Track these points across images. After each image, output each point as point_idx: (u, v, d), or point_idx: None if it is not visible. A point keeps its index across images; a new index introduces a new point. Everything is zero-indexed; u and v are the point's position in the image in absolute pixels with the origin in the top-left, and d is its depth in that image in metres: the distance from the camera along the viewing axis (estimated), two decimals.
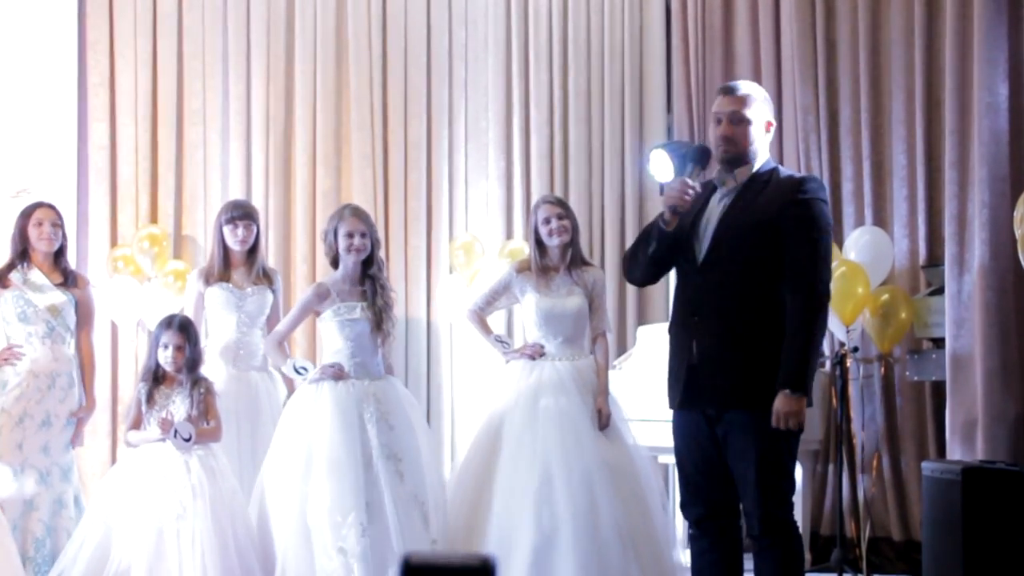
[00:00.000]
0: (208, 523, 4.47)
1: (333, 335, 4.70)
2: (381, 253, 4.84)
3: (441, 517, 4.62)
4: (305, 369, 4.71)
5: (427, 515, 4.53)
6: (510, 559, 4.50)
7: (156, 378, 4.74)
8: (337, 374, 4.61)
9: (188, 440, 4.57)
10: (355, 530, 4.37)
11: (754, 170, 3.78)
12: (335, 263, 4.77)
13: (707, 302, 3.69)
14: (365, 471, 4.46)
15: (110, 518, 4.55)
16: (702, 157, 3.72)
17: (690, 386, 3.71)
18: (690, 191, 3.64)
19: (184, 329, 4.75)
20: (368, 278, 4.72)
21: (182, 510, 4.47)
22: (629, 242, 7.29)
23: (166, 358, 4.70)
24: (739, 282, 3.66)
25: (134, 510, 4.50)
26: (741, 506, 3.82)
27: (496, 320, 6.98)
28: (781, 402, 3.58)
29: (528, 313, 4.94)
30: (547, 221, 4.88)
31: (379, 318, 4.68)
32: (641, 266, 3.84)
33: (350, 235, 4.68)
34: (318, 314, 4.79)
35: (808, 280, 3.63)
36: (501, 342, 5.11)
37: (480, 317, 5.10)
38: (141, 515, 4.48)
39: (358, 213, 4.76)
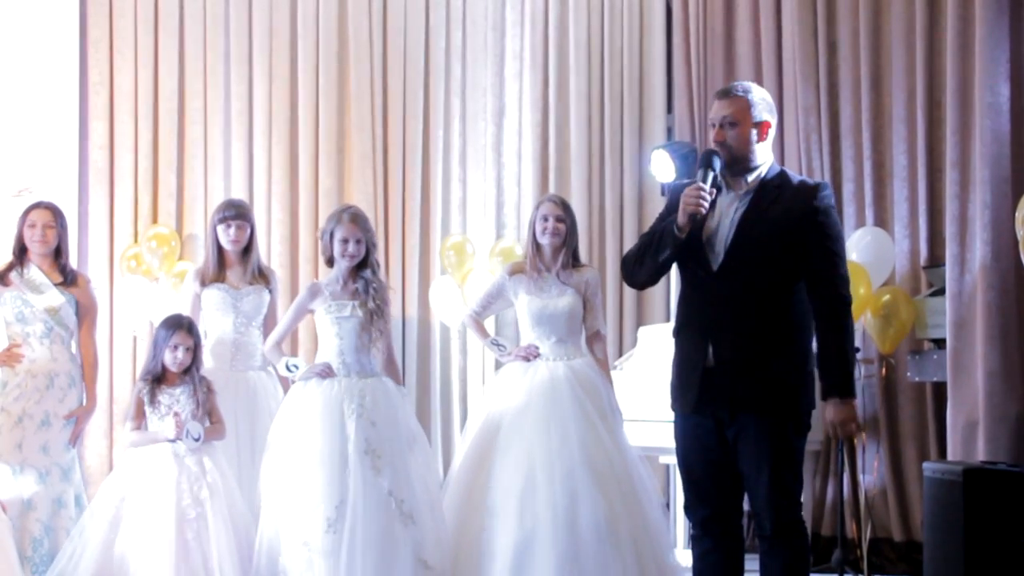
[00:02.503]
0: (227, 521, 4.50)
1: (326, 332, 4.72)
2: (376, 255, 4.82)
3: (435, 519, 4.60)
4: (296, 367, 4.75)
5: (410, 514, 4.49)
6: (493, 559, 4.51)
7: (156, 378, 4.74)
8: (324, 372, 4.63)
9: (197, 440, 4.58)
10: (321, 525, 4.37)
11: (762, 174, 3.78)
12: (331, 263, 4.78)
13: (725, 307, 3.69)
14: (341, 468, 4.46)
15: (118, 519, 4.53)
16: (713, 161, 3.70)
17: (705, 390, 3.71)
18: (706, 196, 3.63)
19: (192, 330, 4.78)
20: (360, 279, 4.72)
21: (201, 508, 4.49)
22: (628, 242, 7.33)
23: (175, 359, 4.70)
24: (757, 288, 3.68)
25: (150, 510, 4.49)
26: (749, 506, 3.83)
27: (489, 321, 7.01)
28: (834, 412, 3.66)
29: (521, 315, 4.97)
30: (545, 219, 4.91)
31: (370, 317, 4.69)
32: (648, 272, 3.83)
33: (345, 241, 4.68)
34: (312, 312, 4.81)
35: (836, 289, 3.70)
36: (497, 345, 5.13)
37: (477, 322, 5.15)
38: (159, 515, 4.46)
39: (355, 219, 4.73)
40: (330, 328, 4.69)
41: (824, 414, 3.70)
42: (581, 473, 4.58)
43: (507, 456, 4.66)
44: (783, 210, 3.70)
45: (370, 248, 4.75)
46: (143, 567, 4.41)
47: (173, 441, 4.59)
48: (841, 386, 3.66)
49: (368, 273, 4.73)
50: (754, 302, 3.67)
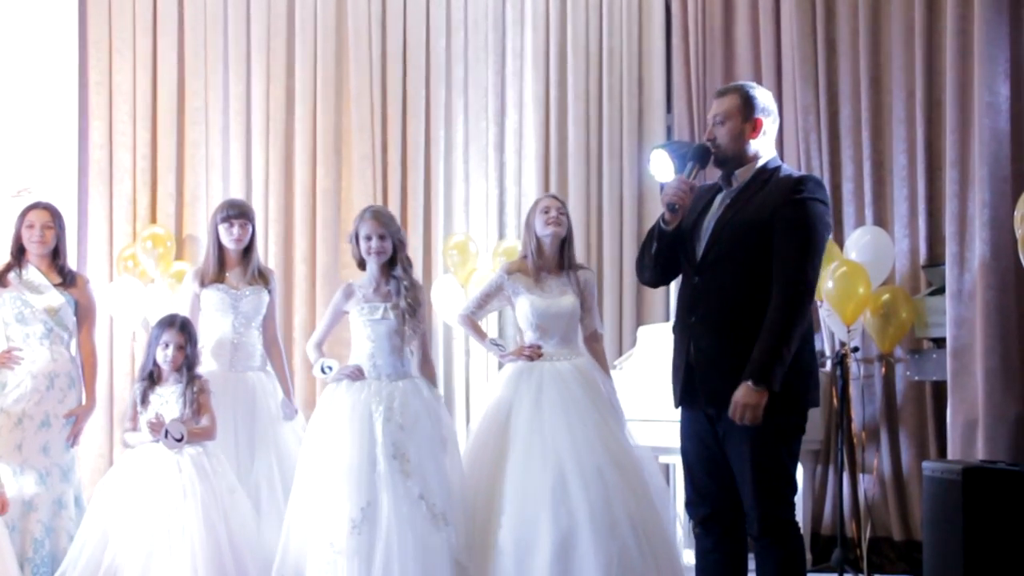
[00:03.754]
0: (199, 522, 4.48)
1: (358, 334, 4.73)
2: (407, 252, 4.82)
3: (467, 520, 4.59)
4: (330, 368, 4.75)
5: (443, 516, 4.49)
6: (531, 558, 4.47)
7: (151, 378, 4.74)
8: (354, 374, 4.63)
9: (180, 440, 4.58)
10: (345, 526, 4.37)
11: (755, 170, 3.78)
12: (362, 265, 4.78)
13: (703, 303, 3.70)
14: (369, 470, 4.46)
15: (107, 520, 4.56)
16: (702, 156, 3.72)
17: (688, 386, 3.74)
18: (688, 189, 3.64)
19: (185, 329, 4.78)
20: (392, 279, 4.72)
21: (172, 509, 4.48)
22: (628, 241, 7.35)
23: (166, 357, 4.71)
24: (734, 283, 3.66)
25: (128, 511, 4.51)
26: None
27: (490, 322, 6.99)
28: (740, 393, 3.55)
29: (522, 314, 4.93)
30: (546, 211, 4.89)
31: (402, 318, 4.68)
32: (648, 267, 3.86)
33: (368, 238, 4.68)
34: (347, 314, 4.81)
35: (790, 276, 3.58)
36: (496, 345, 5.10)
37: (472, 321, 5.09)
38: (134, 515, 4.50)
39: (377, 216, 4.73)
40: (363, 330, 4.69)
41: (742, 402, 3.57)
42: (609, 471, 4.57)
43: (529, 455, 4.62)
44: (761, 203, 3.67)
45: (397, 245, 4.74)
46: (112, 564, 4.44)
47: (156, 441, 4.60)
48: (758, 371, 3.54)
49: (399, 272, 4.72)
50: (731, 296, 3.66)
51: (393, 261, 4.72)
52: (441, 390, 7.22)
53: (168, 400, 4.70)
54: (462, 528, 4.54)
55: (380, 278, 4.73)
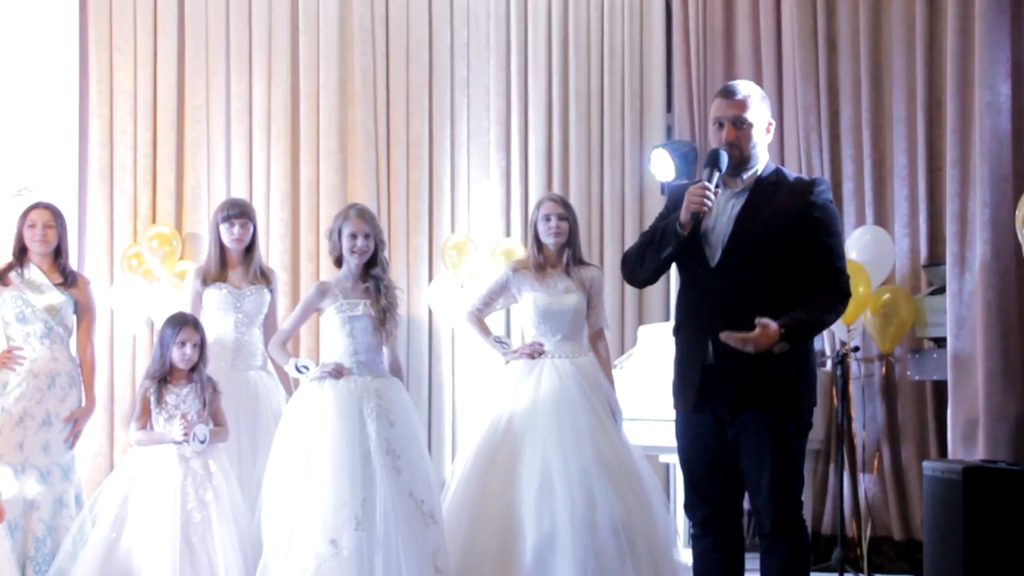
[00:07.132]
0: (230, 523, 4.50)
1: (335, 332, 4.70)
2: (385, 253, 4.82)
3: (442, 521, 4.60)
4: (307, 368, 4.71)
5: (431, 513, 4.50)
6: (512, 559, 4.50)
7: (162, 378, 4.73)
8: (337, 372, 4.61)
9: (203, 442, 4.58)
10: (349, 523, 4.36)
11: (759, 172, 3.79)
12: (339, 262, 4.76)
13: (724, 304, 3.68)
14: (363, 466, 4.46)
15: (122, 518, 4.53)
16: (719, 160, 3.70)
17: (705, 387, 3.71)
18: (711, 195, 3.63)
19: (198, 327, 4.79)
20: (371, 278, 4.72)
21: (206, 511, 4.49)
22: (629, 240, 7.33)
23: (183, 356, 4.68)
24: (756, 284, 3.67)
25: (154, 511, 4.48)
26: (749, 505, 3.83)
27: (497, 322, 6.98)
28: (759, 331, 3.52)
29: (526, 311, 4.96)
30: (547, 218, 4.91)
31: (382, 316, 4.68)
32: (649, 270, 3.82)
33: (353, 236, 4.68)
34: (320, 312, 4.79)
35: (837, 279, 3.70)
36: (500, 343, 5.11)
37: (479, 318, 5.11)
38: (164, 517, 4.46)
39: (363, 214, 4.74)
40: (342, 327, 4.68)
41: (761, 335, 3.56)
42: (596, 472, 4.58)
43: (520, 456, 4.64)
44: (779, 206, 3.70)
45: (379, 245, 4.74)
46: (148, 568, 4.41)
47: (180, 443, 4.59)
48: (793, 327, 3.56)
49: (378, 271, 4.73)
50: (753, 298, 3.66)
51: (373, 261, 4.73)
52: (450, 390, 7.24)
53: (186, 400, 4.69)
54: (443, 529, 4.56)
55: (358, 275, 4.73)
